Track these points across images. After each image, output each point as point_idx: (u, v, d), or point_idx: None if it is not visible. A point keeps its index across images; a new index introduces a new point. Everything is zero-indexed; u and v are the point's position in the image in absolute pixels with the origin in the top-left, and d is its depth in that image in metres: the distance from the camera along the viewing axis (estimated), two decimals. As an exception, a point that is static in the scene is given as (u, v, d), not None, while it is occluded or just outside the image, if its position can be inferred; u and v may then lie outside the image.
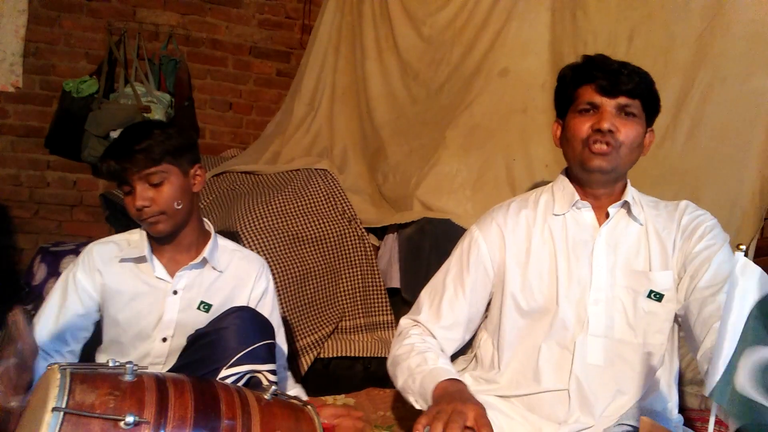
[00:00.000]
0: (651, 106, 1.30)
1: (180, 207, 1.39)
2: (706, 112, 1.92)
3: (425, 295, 1.43)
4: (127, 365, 1.06)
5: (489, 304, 1.41)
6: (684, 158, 1.96)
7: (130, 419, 0.97)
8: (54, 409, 0.93)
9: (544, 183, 1.47)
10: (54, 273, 2.32)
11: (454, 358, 1.48)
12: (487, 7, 2.47)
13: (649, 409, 1.26)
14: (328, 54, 3.01)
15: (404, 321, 1.43)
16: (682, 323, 1.25)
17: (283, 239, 2.26)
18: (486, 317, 1.42)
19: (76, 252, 2.38)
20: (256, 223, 2.25)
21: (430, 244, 2.14)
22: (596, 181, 1.29)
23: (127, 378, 1.05)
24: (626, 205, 1.31)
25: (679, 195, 1.90)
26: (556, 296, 1.29)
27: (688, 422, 1.48)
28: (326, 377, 2.11)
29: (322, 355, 2.15)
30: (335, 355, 2.16)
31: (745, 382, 0.71)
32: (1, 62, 2.87)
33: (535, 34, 2.32)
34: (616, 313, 1.27)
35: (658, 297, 1.26)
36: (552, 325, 1.28)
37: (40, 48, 2.93)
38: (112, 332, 1.44)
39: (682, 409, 1.44)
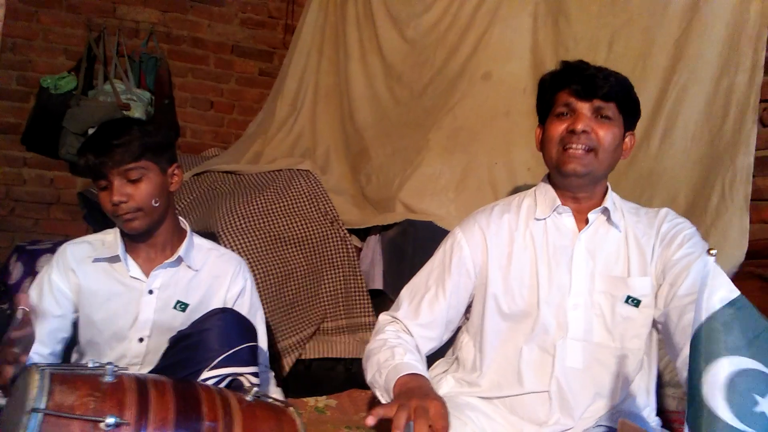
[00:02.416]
0: (629, 110, 1.32)
1: (157, 205, 1.38)
2: (681, 114, 1.96)
3: (406, 293, 1.43)
4: (107, 366, 1.05)
5: (469, 306, 1.42)
6: (660, 160, 2.00)
7: (110, 420, 0.96)
8: (33, 410, 0.92)
9: (527, 186, 1.49)
10: (30, 272, 2.28)
11: (435, 359, 1.49)
12: (470, 11, 2.49)
13: (627, 412, 1.28)
14: (311, 54, 3.00)
15: (382, 317, 1.44)
16: (661, 330, 1.27)
17: (264, 240, 2.24)
18: (467, 319, 1.43)
19: (52, 251, 2.32)
20: (238, 223, 2.23)
21: (412, 246, 2.15)
22: (573, 185, 1.30)
23: (107, 379, 1.04)
24: (606, 211, 1.33)
25: (656, 197, 1.94)
26: (536, 300, 1.30)
27: (666, 424, 1.50)
28: (308, 379, 2.10)
29: (303, 357, 2.14)
30: (317, 357, 2.16)
31: (709, 395, 0.71)
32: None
33: (518, 38, 2.35)
34: (595, 318, 1.28)
35: (635, 303, 1.27)
36: (533, 328, 1.30)
37: (18, 43, 2.88)
38: (87, 333, 1.42)
39: (661, 411, 1.46)
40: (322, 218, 2.39)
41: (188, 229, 1.51)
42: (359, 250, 2.42)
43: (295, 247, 2.29)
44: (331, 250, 2.34)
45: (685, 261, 1.24)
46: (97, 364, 1.06)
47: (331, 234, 2.36)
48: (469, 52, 2.48)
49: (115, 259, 1.42)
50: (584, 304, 1.28)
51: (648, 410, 1.31)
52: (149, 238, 1.42)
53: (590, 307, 1.28)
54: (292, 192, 2.41)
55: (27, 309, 1.12)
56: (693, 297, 1.18)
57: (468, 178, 2.26)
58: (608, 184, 1.37)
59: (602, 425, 1.24)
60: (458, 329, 1.46)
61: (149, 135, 1.37)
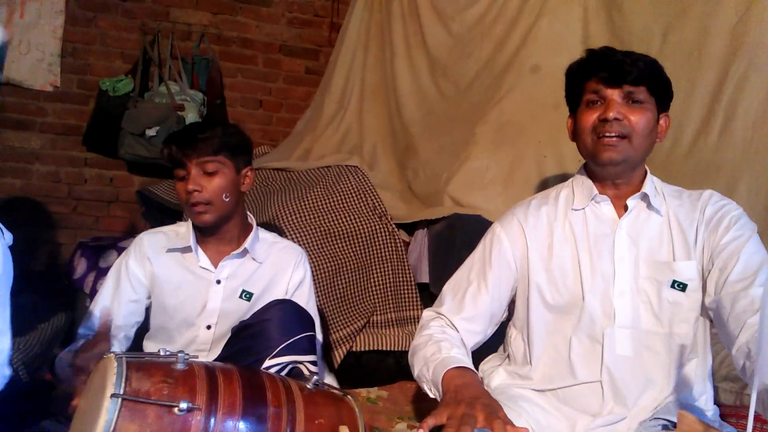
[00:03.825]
0: (660, 91, 1.30)
1: (227, 200, 1.45)
2: (741, 103, 1.91)
3: (448, 288, 1.45)
4: (179, 354, 1.11)
5: (513, 300, 1.43)
6: (719, 151, 1.95)
7: (183, 405, 1.01)
8: (112, 396, 0.98)
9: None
10: (93, 267, 2.39)
11: (485, 354, 1.50)
12: (517, 4, 2.48)
13: (683, 403, 1.26)
14: (357, 52, 3.04)
15: (426, 313, 1.45)
16: (714, 318, 1.25)
17: (315, 235, 2.30)
18: (513, 314, 1.44)
19: (114, 246, 2.44)
20: (290, 218, 2.29)
21: (460, 240, 2.16)
22: (610, 173, 1.30)
23: (179, 366, 1.09)
24: (645, 197, 1.31)
25: (716, 187, 1.89)
26: (581, 290, 1.30)
27: (722, 418, 1.48)
28: (359, 370, 2.14)
29: (354, 349, 2.18)
30: (367, 349, 2.20)
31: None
32: (39, 62, 2.95)
33: (568, 30, 2.32)
34: (642, 305, 1.27)
35: (681, 287, 1.26)
36: (580, 318, 1.29)
37: (77, 48, 3.01)
38: (159, 319, 1.50)
39: (716, 405, 1.44)
40: (370, 213, 2.42)
41: (254, 223, 1.57)
42: (407, 244, 2.44)
43: (345, 241, 2.33)
44: (379, 245, 2.37)
45: (734, 245, 1.22)
46: (168, 353, 1.12)
47: (380, 228, 2.39)
48: (516, 45, 2.47)
49: (186, 249, 1.50)
50: (630, 291, 1.27)
51: (704, 399, 1.29)
52: (218, 232, 1.50)
53: (636, 294, 1.27)
54: (341, 188, 2.46)
55: (107, 325, 1.19)
56: (745, 283, 1.16)
57: (516, 172, 2.26)
58: (647, 168, 1.35)
59: (660, 418, 1.23)
60: (506, 324, 1.47)
61: (230, 135, 1.47)
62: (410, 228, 2.45)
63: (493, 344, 1.48)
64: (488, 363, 1.47)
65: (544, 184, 2.17)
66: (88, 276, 2.37)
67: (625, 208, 1.32)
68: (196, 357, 1.16)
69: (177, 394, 1.03)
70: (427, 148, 2.55)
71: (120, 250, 2.44)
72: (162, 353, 1.12)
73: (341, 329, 2.21)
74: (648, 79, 1.26)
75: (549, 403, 1.31)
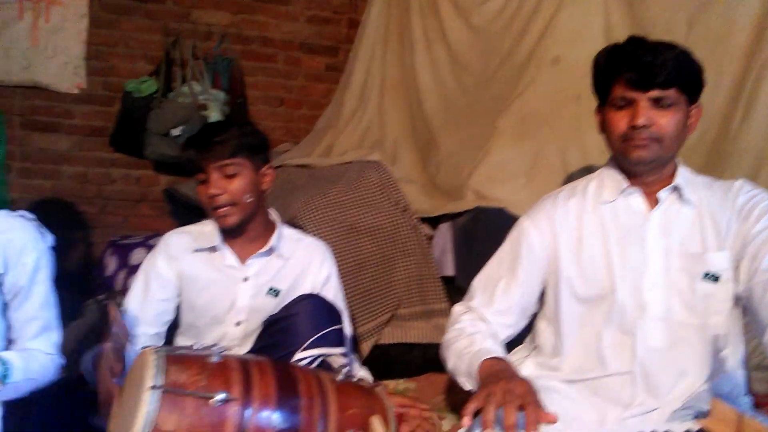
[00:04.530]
0: (691, 87, 1.28)
1: (249, 201, 1.47)
2: (762, 90, 1.89)
3: (478, 282, 1.46)
4: (213, 347, 1.14)
5: (543, 293, 1.43)
6: (741, 139, 1.94)
7: (220, 396, 1.04)
8: (152, 388, 1.01)
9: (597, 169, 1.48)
10: (124, 265, 2.44)
11: (513, 346, 1.51)
12: (537, -5, 2.47)
13: (716, 392, 1.26)
14: (376, 47, 3.05)
15: (457, 307, 1.47)
16: (746, 306, 1.25)
17: (338, 230, 2.32)
18: (543, 306, 1.44)
19: (143, 245, 2.49)
20: (313, 214, 2.31)
21: (484, 233, 2.17)
22: (640, 171, 1.30)
23: (214, 359, 1.12)
24: (676, 189, 1.31)
25: (737, 174, 1.88)
26: (612, 283, 1.30)
27: (755, 407, 1.47)
28: (385, 362, 2.16)
29: (380, 342, 2.20)
30: (393, 342, 2.22)
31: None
32: (65, 65, 3.01)
33: (589, 21, 2.31)
34: (674, 297, 1.27)
35: (714, 278, 1.25)
36: (611, 310, 1.30)
37: (102, 50, 3.06)
38: (189, 317, 1.53)
39: (749, 394, 1.43)
40: (393, 207, 2.44)
41: (278, 220, 1.59)
42: (431, 237, 2.45)
43: (368, 236, 2.35)
44: (403, 239, 2.39)
45: (765, 234, 1.21)
46: (203, 346, 1.15)
47: (403, 223, 2.41)
48: (536, 37, 2.46)
49: (213, 249, 1.52)
50: (662, 283, 1.27)
51: (737, 389, 1.28)
52: (243, 231, 1.52)
53: (668, 286, 1.27)
54: (363, 183, 2.47)
55: (112, 309, 1.21)
56: None
57: (539, 164, 2.25)
58: (677, 159, 1.33)
59: (691, 407, 1.23)
60: (534, 316, 1.47)
61: (246, 135, 1.48)
62: (434, 221, 2.46)
63: (518, 336, 1.49)
64: (515, 355, 1.48)
65: (569, 177, 2.16)
66: (118, 273, 2.43)
67: (656, 200, 1.31)
68: (230, 350, 1.19)
69: (213, 385, 1.06)
70: (448, 141, 2.56)
71: (149, 248, 2.48)
72: (196, 347, 1.16)
73: (367, 323, 2.23)
74: (678, 79, 1.24)
75: (578, 394, 1.31)
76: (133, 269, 2.43)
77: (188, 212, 2.80)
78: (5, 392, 0.98)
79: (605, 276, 1.31)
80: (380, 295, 2.30)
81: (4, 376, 0.96)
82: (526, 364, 1.42)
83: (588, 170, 2.15)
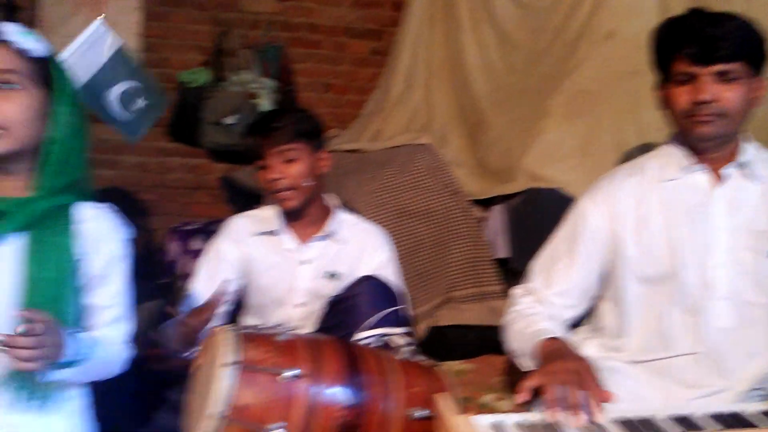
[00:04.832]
0: (757, 59, 1.23)
1: (308, 185, 1.51)
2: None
3: (537, 265, 1.45)
4: (282, 326, 1.19)
5: (605, 273, 1.42)
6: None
7: (291, 373, 1.08)
8: (228, 364, 1.06)
9: (655, 147, 1.45)
10: (185, 250, 2.54)
11: (574, 327, 1.51)
12: (588, -31, 2.41)
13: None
14: (422, 30, 3.03)
15: (516, 290, 1.47)
16: None
17: (390, 214, 2.34)
18: (604, 287, 1.43)
19: (202, 231, 2.58)
20: (364, 199, 2.34)
21: (538, 214, 2.15)
22: (705, 147, 1.26)
23: (283, 337, 1.16)
24: (742, 165, 1.27)
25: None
26: (676, 262, 1.28)
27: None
28: (442, 345, 2.18)
29: (436, 324, 2.23)
30: (448, 324, 2.24)
31: None
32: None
33: (643, -7, 2.24)
34: (741, 275, 1.24)
35: None
36: (676, 290, 1.28)
37: (155, 43, 3.15)
38: (253, 298, 1.59)
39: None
40: (443, 190, 2.44)
41: (336, 205, 1.63)
42: (482, 220, 2.45)
43: (420, 219, 2.37)
44: (454, 221, 2.39)
45: None
46: (271, 325, 1.20)
47: (454, 205, 2.42)
48: (588, 12, 2.41)
49: (273, 232, 1.57)
50: (729, 262, 1.25)
51: None
52: (302, 215, 1.57)
53: (735, 265, 1.24)
54: (413, 166, 2.48)
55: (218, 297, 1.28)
56: None
57: (593, 143, 2.22)
58: (743, 134, 1.29)
59: (761, 387, 1.21)
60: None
61: (303, 121, 1.53)
62: (485, 204, 2.46)
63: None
64: (576, 335, 1.47)
65: (625, 155, 2.12)
66: (180, 258, 2.53)
67: (721, 176, 1.28)
68: (297, 329, 1.23)
69: (284, 362, 1.10)
70: (498, 122, 2.54)
71: (208, 234, 2.57)
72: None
73: (421, 305, 2.26)
74: (742, 52, 1.20)
75: (643, 375, 1.30)
76: (194, 254, 2.53)
77: (243, 198, 2.88)
78: (77, 374, 1.04)
79: (669, 255, 1.29)
80: (434, 277, 2.33)
81: (80, 358, 1.02)
82: (587, 345, 1.41)
83: (645, 148, 2.10)
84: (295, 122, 1.51)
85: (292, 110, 1.60)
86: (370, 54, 3.49)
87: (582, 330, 1.50)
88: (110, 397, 1.19)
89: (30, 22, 2.96)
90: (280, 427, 1.05)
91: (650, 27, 2.21)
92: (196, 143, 3.01)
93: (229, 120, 2.93)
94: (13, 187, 1.04)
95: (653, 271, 1.30)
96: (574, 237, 1.39)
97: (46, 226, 1.03)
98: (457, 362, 2.08)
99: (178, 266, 2.51)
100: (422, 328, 2.18)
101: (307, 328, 1.53)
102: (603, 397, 1.05)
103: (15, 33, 1.03)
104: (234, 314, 1.64)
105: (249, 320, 1.61)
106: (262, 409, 1.06)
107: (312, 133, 1.55)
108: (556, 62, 2.49)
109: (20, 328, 0.89)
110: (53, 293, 1.00)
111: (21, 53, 1.02)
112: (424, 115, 2.84)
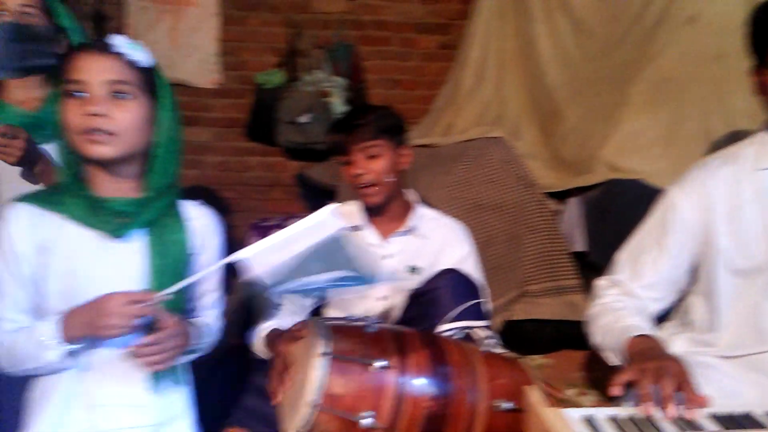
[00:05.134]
0: None
1: (390, 180, 1.54)
2: None
3: (623, 256, 1.42)
4: (368, 319, 1.22)
5: (695, 266, 1.37)
6: None
7: (381, 363, 1.11)
8: (322, 354, 1.10)
9: (747, 135, 1.39)
10: (264, 245, 2.64)
11: (660, 322, 1.47)
12: (668, -48, 2.32)
13: None
14: (492, 21, 3.00)
15: (601, 281, 1.44)
16: None
17: (464, 208, 2.35)
18: (694, 280, 1.39)
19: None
20: (438, 193, 2.36)
21: (619, 206, 2.10)
22: None
23: (370, 329, 1.20)
24: None
25: None
26: None
27: None
28: (518, 339, 2.18)
29: (512, 318, 2.22)
30: (524, 318, 2.22)
31: None
32: (202, 62, 3.26)
33: (727, -26, 2.14)
34: None
35: None
36: None
37: (233, 46, 3.28)
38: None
39: None
40: (517, 183, 2.42)
41: (415, 200, 1.66)
42: (558, 213, 2.42)
43: (494, 212, 2.37)
44: (529, 215, 2.37)
45: None
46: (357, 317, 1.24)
47: (528, 198, 2.39)
48: (669, -4, 2.33)
49: (356, 228, 1.61)
50: None
51: None
52: (384, 211, 1.60)
53: None
54: (486, 160, 2.48)
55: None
56: None
57: (677, 131, 2.14)
58: None
59: None
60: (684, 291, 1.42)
61: (385, 117, 1.56)
62: (561, 196, 2.42)
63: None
64: (664, 331, 1.44)
65: (713, 144, 2.04)
66: (259, 254, 2.63)
67: None
68: (383, 322, 1.27)
69: (372, 353, 1.14)
70: (574, 113, 2.49)
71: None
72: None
73: (495, 299, 2.25)
74: None
75: (737, 371, 1.25)
76: (273, 249, 2.63)
77: (317, 195, 2.96)
78: (194, 355, 1.13)
79: (765, 246, 1.24)
80: (508, 271, 2.32)
81: (200, 345, 1.11)
82: (676, 340, 1.37)
83: (735, 136, 2.01)
84: (378, 119, 1.54)
85: (374, 107, 1.62)
86: (439, 48, 3.49)
87: (670, 325, 1.46)
88: (200, 381, 1.27)
89: (118, 30, 3.16)
90: (370, 416, 1.09)
91: (735, 10, 2.15)
92: (272, 142, 3.12)
93: (303, 119, 3.02)
94: (128, 188, 1.13)
95: (748, 263, 1.25)
96: (663, 228, 1.35)
97: (163, 223, 1.13)
98: (537, 357, 2.06)
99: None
100: (497, 322, 2.18)
101: (389, 321, 1.56)
102: (699, 402, 1.02)
103: (125, 45, 1.11)
104: (317, 307, 1.69)
105: (331, 313, 1.66)
106: (353, 398, 1.10)
107: (394, 130, 1.57)
108: (635, 49, 2.42)
109: (147, 339, 0.99)
110: (172, 284, 1.08)
111: (131, 64, 1.10)
112: (495, 108, 2.82)
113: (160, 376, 1.11)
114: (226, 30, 3.26)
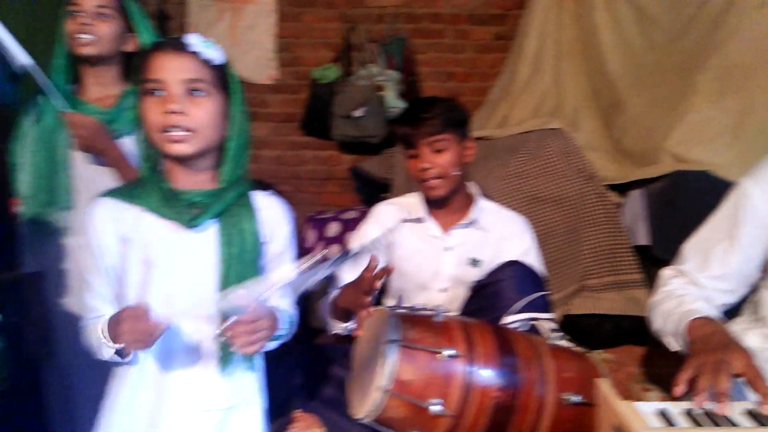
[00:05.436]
0: None
1: (455, 173, 1.54)
2: None
3: (691, 246, 1.39)
4: (437, 309, 1.23)
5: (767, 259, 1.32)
6: None
7: (448, 352, 1.13)
8: (392, 341, 1.12)
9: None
10: (321, 237, 2.69)
11: (730, 317, 1.43)
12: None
13: None
14: (549, 10, 2.94)
15: (666, 271, 1.42)
16: None
17: (521, 200, 2.32)
18: (766, 274, 1.34)
19: (336, 219, 2.72)
20: (495, 185, 2.34)
21: (684, 198, 2.04)
22: None
23: (438, 319, 1.21)
24: None
25: None
26: None
27: None
28: (575, 334, 2.14)
29: (570, 312, 2.19)
30: (583, 313, 2.19)
31: None
32: (260, 59, 3.33)
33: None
34: None
35: None
36: None
37: (289, 42, 3.34)
38: (397, 282, 1.66)
39: None
40: (577, 176, 2.38)
41: (478, 193, 1.66)
42: (619, 205, 2.36)
43: (552, 205, 2.33)
44: (589, 207, 2.33)
45: None
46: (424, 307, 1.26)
47: (588, 191, 2.35)
48: (738, -21, 2.23)
49: (419, 220, 1.62)
50: None
51: None
52: (447, 203, 1.60)
53: None
54: (544, 152, 2.44)
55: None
56: None
57: (747, 121, 2.06)
58: None
59: None
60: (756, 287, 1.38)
61: (451, 111, 1.56)
62: (622, 189, 2.36)
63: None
64: (736, 326, 1.40)
65: (787, 132, 1.95)
66: (317, 245, 2.68)
67: None
68: (449, 312, 1.27)
69: (440, 342, 1.15)
70: (636, 103, 2.42)
71: (342, 221, 2.71)
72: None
73: (554, 293, 2.22)
74: None
75: (815, 365, 1.21)
76: (330, 241, 2.67)
77: (371, 188, 2.99)
78: (277, 343, 1.16)
79: None
80: (567, 265, 2.28)
81: (282, 332, 1.14)
82: (748, 336, 1.33)
83: (813, 124, 1.93)
84: (444, 112, 1.54)
85: (440, 99, 1.62)
86: (494, 39, 3.45)
87: (741, 320, 1.42)
88: (276, 369, 1.30)
89: (180, 29, 3.27)
90: (439, 404, 1.10)
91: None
92: (326, 136, 3.17)
93: (357, 113, 3.05)
94: (203, 180, 1.18)
95: None
96: (735, 220, 1.31)
97: (234, 213, 1.16)
98: (598, 352, 2.03)
99: (315, 252, 2.65)
100: (556, 317, 2.15)
101: (451, 313, 1.57)
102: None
103: (199, 44, 1.15)
104: (378, 298, 1.71)
105: (390, 303, 1.68)
106: (422, 385, 1.11)
107: (459, 123, 1.57)
108: (701, 36, 2.33)
109: (233, 319, 1.01)
110: (244, 272, 1.12)
111: (205, 62, 1.14)
112: (553, 99, 2.77)
113: (230, 360, 1.13)
114: (282, 26, 3.32)
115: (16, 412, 1.57)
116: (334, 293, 1.47)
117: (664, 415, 0.97)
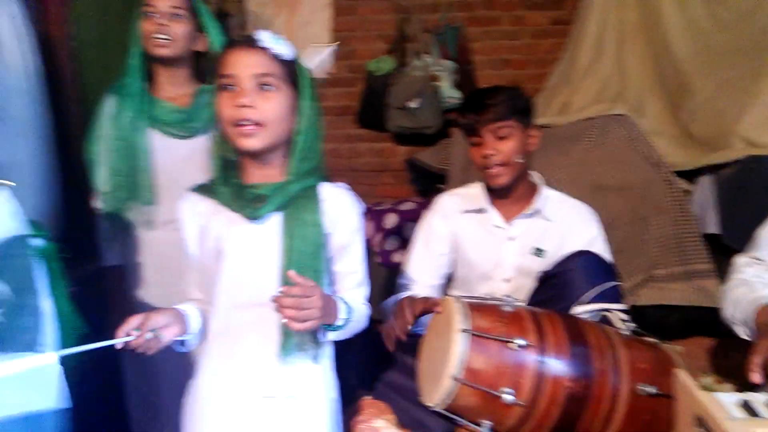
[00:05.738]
0: None
1: (519, 161, 1.53)
2: None
3: (765, 233, 1.35)
4: (506, 298, 1.23)
5: None
6: None
7: (521, 342, 1.12)
8: (462, 331, 1.13)
9: None
10: (379, 228, 2.71)
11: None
12: None
13: None
14: (610, -7, 2.86)
15: (740, 259, 1.39)
16: None
17: (584, 189, 2.27)
18: None
19: (393, 210, 2.74)
20: (557, 175, 2.29)
21: (757, 184, 1.96)
22: None
23: (507, 309, 1.21)
24: None
25: None
26: None
27: None
28: (641, 324, 2.09)
29: (636, 303, 2.13)
30: (650, 304, 2.13)
31: None
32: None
33: None
34: None
35: None
36: None
37: (344, 36, 3.36)
38: (461, 272, 1.66)
39: None
40: (643, 162, 2.31)
41: (541, 183, 1.64)
42: (687, 192, 2.28)
43: (616, 193, 2.27)
44: (656, 195, 2.26)
45: None
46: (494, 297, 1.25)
47: (655, 178, 2.27)
48: (819, -49, 2.11)
49: (481, 210, 1.62)
50: None
51: None
52: (510, 193, 1.59)
53: None
54: (608, 138, 2.38)
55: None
56: None
57: (829, 102, 1.95)
58: None
59: None
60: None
61: (516, 98, 1.54)
62: (690, 175, 2.28)
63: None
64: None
65: None
66: (374, 237, 2.70)
67: None
68: (519, 301, 1.27)
69: (511, 332, 1.15)
70: (705, 86, 2.33)
71: (399, 213, 2.73)
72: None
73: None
74: None
75: None
76: (387, 232, 2.69)
77: (427, 179, 2.99)
78: (340, 333, 1.19)
79: None
80: (633, 254, 2.22)
81: (348, 321, 1.16)
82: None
83: None
84: (508, 99, 1.52)
85: (504, 87, 1.61)
86: (551, 24, 3.37)
87: None
88: (345, 355, 1.33)
89: (240, 26, 3.34)
90: (510, 393, 1.10)
91: None
92: (382, 128, 3.18)
93: (413, 104, 3.04)
94: (272, 174, 1.21)
95: None
96: None
97: (298, 205, 1.19)
98: (666, 344, 1.97)
99: (374, 243, 2.68)
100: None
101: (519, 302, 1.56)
102: None
103: (269, 40, 1.18)
104: (444, 287, 1.72)
105: (455, 293, 1.69)
106: (493, 374, 1.12)
107: (524, 111, 1.56)
108: (776, 14, 2.22)
109: (284, 289, 1.02)
110: (307, 263, 1.15)
111: (275, 57, 1.17)
112: (616, 84, 2.69)
113: (291, 348, 1.15)
114: (337, 20, 3.34)
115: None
116: (399, 300, 1.47)
117: (746, 406, 0.95)
